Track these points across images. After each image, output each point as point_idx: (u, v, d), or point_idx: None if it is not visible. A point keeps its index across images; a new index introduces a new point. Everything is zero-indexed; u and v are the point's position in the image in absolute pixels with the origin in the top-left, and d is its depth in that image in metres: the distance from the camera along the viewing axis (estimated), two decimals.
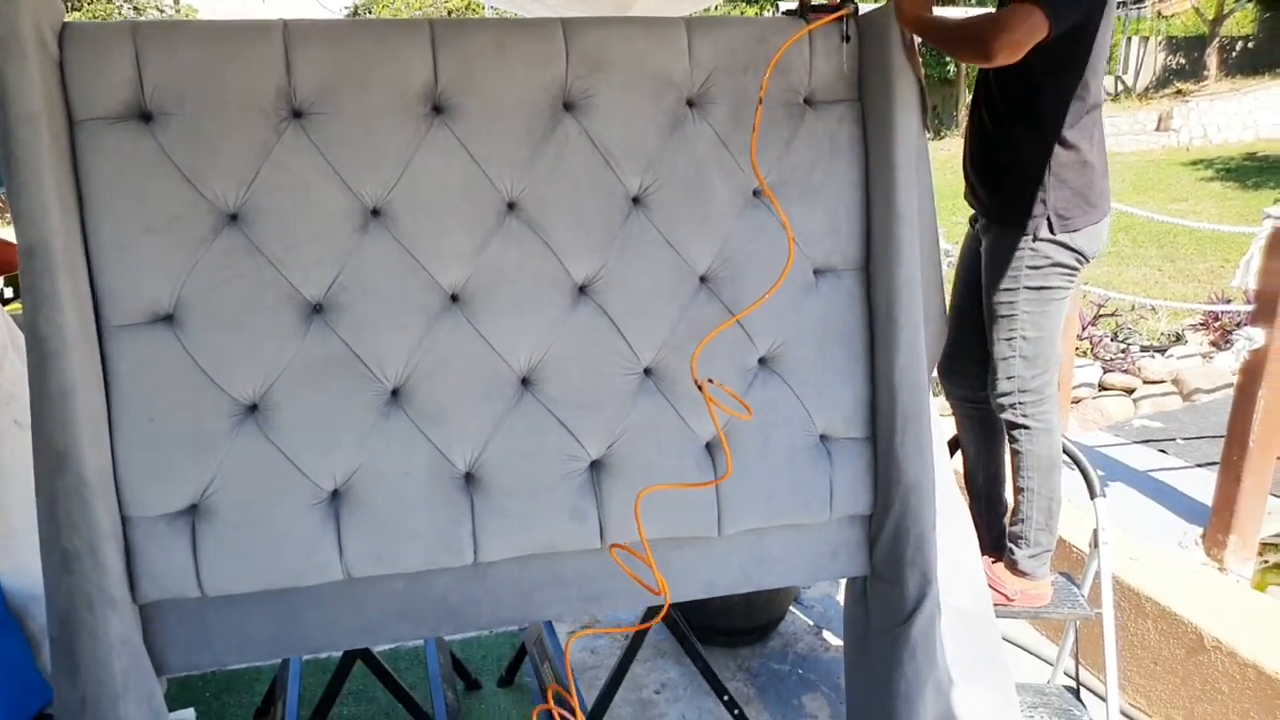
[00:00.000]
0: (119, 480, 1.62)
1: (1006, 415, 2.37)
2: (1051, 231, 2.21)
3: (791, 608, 3.30)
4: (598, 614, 2.95)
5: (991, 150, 2.32)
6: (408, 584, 1.79)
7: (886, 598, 1.98)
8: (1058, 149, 2.19)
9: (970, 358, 2.45)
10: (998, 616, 2.18)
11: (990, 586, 2.39)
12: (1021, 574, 2.46)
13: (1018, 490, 2.44)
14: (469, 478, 1.78)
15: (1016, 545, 2.46)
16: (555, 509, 1.81)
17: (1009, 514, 2.52)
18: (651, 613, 2.04)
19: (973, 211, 2.45)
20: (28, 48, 1.46)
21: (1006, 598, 2.45)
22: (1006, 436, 2.44)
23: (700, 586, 1.95)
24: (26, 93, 1.46)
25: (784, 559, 1.97)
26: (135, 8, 16.26)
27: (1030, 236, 2.24)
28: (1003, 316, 2.31)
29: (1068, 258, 2.24)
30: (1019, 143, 2.24)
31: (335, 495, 1.72)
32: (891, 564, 1.94)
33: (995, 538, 2.56)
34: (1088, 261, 2.29)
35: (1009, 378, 2.33)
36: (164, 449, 1.64)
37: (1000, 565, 2.51)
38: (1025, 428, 2.35)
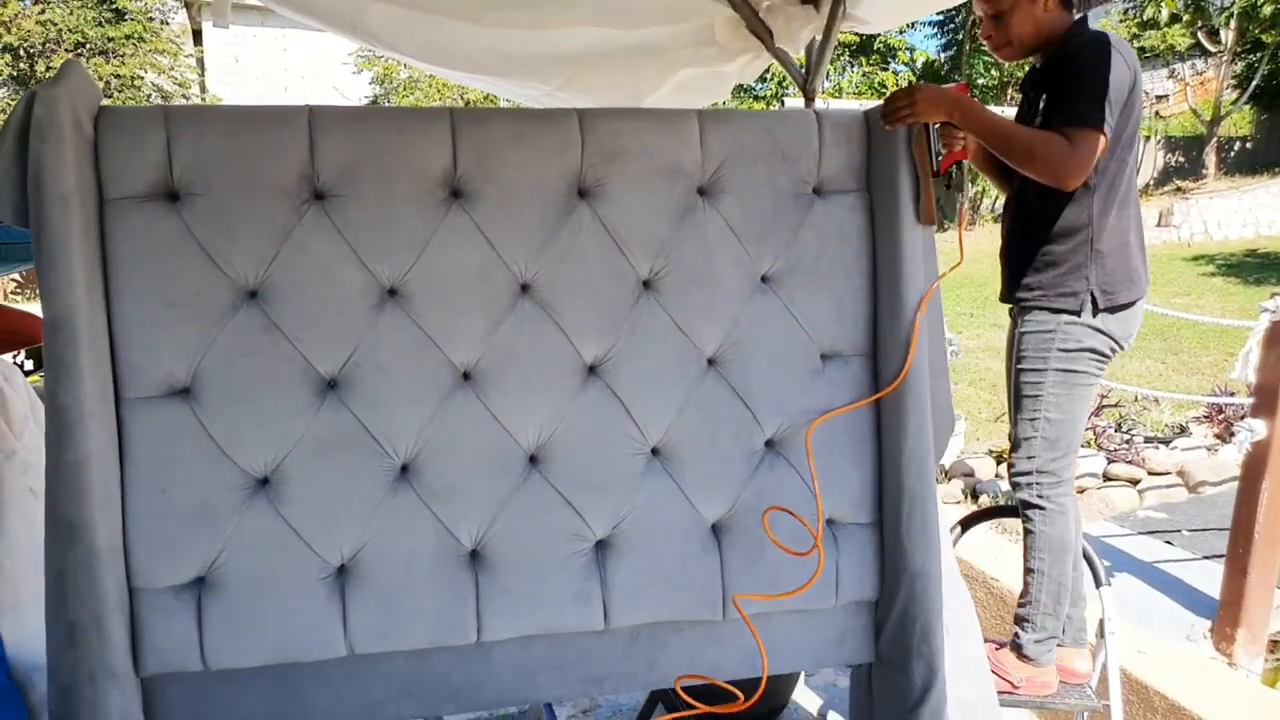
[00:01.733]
0: (128, 551, 1.63)
1: (1022, 494, 2.38)
2: (1095, 309, 2.24)
3: (795, 696, 3.25)
4: (600, 696, 2.91)
5: (1033, 230, 2.32)
6: (410, 662, 1.79)
7: (892, 687, 1.96)
8: (1100, 226, 2.22)
9: None
10: (1002, 705, 2.15)
11: (995, 673, 2.36)
12: (1027, 659, 2.43)
13: (1027, 571, 2.42)
14: (474, 555, 1.78)
15: (1022, 629, 2.43)
16: (560, 589, 1.80)
17: (1018, 596, 2.49)
18: (655, 696, 2.02)
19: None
20: (65, 131, 1.52)
21: (1012, 685, 2.42)
22: (1021, 516, 2.44)
23: (704, 670, 1.93)
24: (61, 174, 1.51)
25: (789, 644, 1.96)
26: (163, 95, 16.66)
27: (1066, 318, 2.26)
28: (1027, 397, 2.33)
29: (1100, 343, 2.26)
30: (1061, 220, 2.26)
31: (342, 570, 1.72)
32: (898, 652, 1.93)
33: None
34: (1120, 349, 2.31)
35: (1029, 458, 2.35)
36: (174, 520, 1.65)
37: (1005, 651, 2.48)
38: (1040, 508, 2.35)
